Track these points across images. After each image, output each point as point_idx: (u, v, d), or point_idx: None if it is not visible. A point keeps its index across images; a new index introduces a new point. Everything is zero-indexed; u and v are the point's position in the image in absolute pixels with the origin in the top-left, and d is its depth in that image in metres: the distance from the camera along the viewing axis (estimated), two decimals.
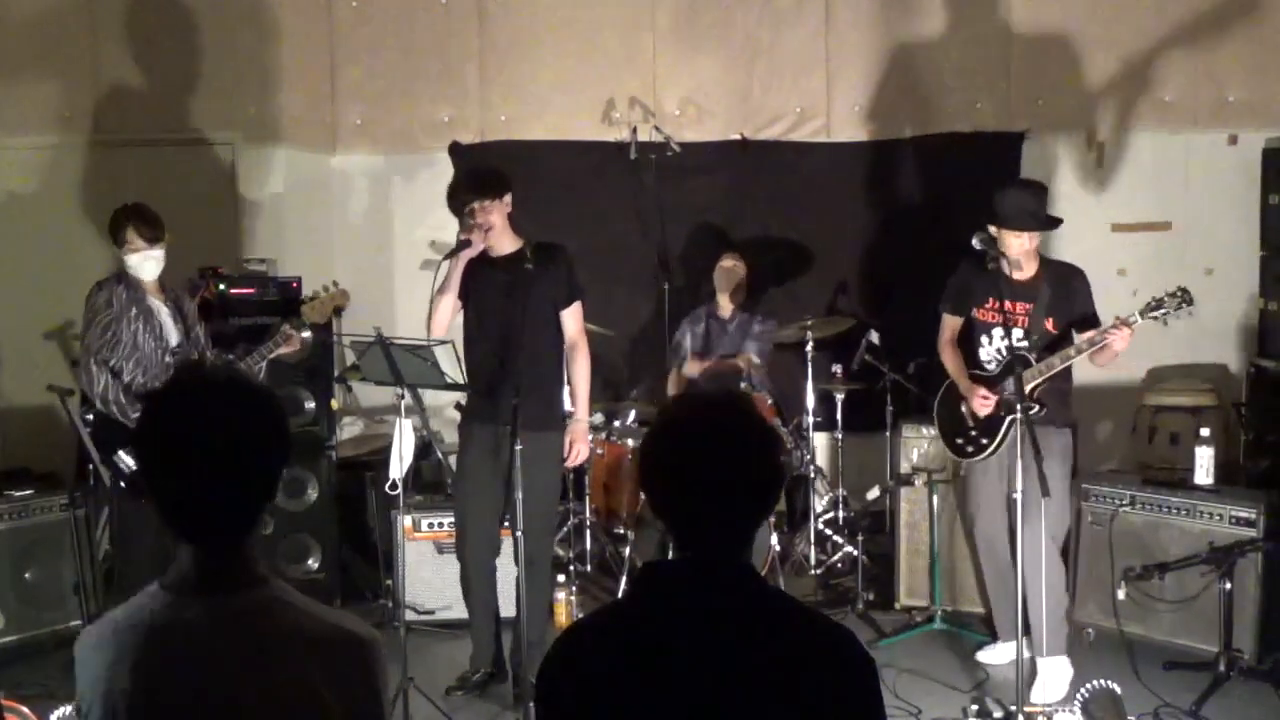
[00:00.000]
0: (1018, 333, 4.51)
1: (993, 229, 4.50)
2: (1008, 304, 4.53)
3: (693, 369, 6.18)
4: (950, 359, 4.76)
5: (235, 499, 1.76)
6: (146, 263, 4.42)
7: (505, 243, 4.49)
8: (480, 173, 4.73)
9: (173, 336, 4.41)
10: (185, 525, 1.77)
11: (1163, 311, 4.29)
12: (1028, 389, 4.39)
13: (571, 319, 4.55)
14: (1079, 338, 4.48)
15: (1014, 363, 4.33)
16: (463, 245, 4.42)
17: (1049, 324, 4.54)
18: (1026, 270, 4.56)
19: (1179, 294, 4.28)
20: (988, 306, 4.61)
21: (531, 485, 4.22)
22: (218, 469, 1.74)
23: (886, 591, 5.52)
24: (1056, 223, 4.70)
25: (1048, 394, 4.49)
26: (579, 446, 4.55)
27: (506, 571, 4.97)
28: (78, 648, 1.82)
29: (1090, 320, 4.54)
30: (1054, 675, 4.47)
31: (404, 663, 4.20)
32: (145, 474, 1.80)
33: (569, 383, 4.64)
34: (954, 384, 4.75)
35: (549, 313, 4.49)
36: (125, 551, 4.41)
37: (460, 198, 4.49)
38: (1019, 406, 4.12)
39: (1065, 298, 4.56)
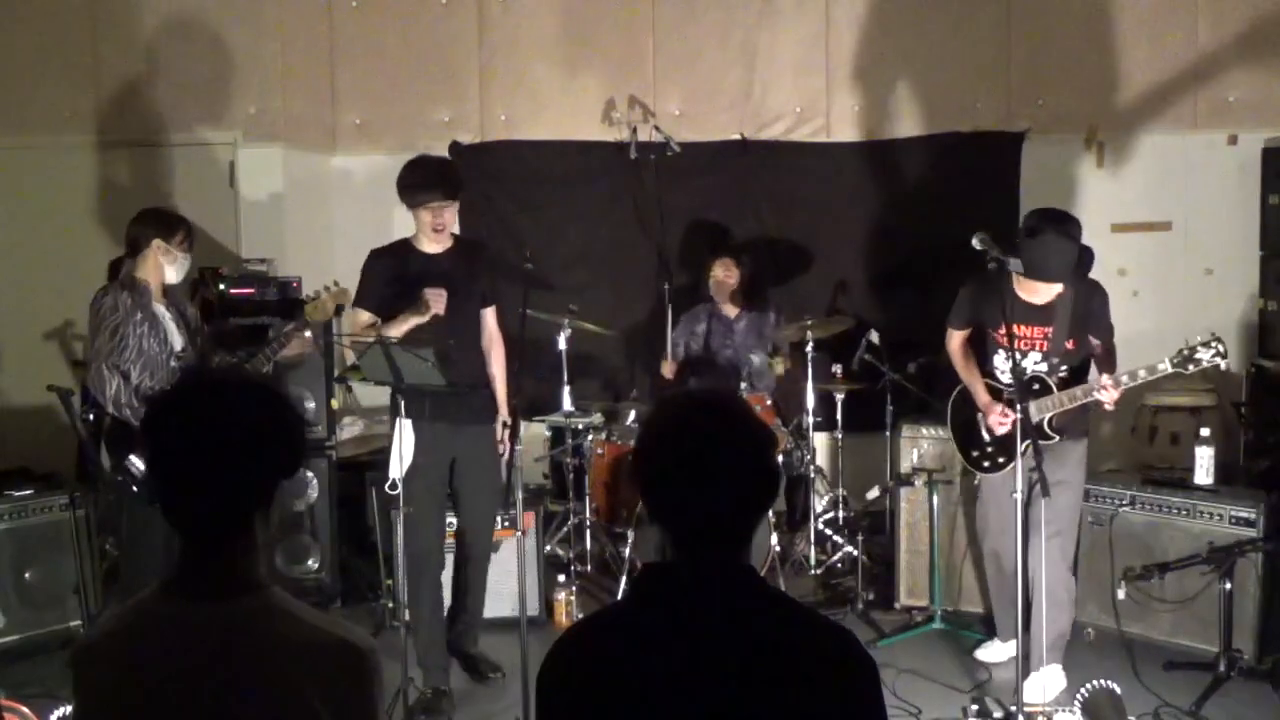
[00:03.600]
0: (1035, 356, 4.38)
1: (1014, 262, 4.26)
2: (1023, 328, 4.36)
3: (668, 370, 6.19)
4: (964, 367, 4.64)
5: (230, 498, 1.76)
6: (184, 267, 4.48)
7: (446, 238, 4.50)
8: (446, 170, 4.60)
9: (177, 342, 4.42)
10: (180, 522, 1.77)
11: (1195, 365, 4.09)
12: (1048, 417, 4.32)
13: (490, 317, 4.63)
14: (1101, 378, 4.27)
15: (1029, 387, 4.22)
16: (434, 318, 4.38)
17: (1070, 345, 4.38)
18: (1043, 294, 4.36)
19: (1213, 344, 4.07)
20: (1001, 331, 4.35)
21: (486, 477, 4.40)
22: (213, 467, 1.74)
23: (886, 591, 5.52)
24: (1088, 262, 4.48)
25: (1065, 415, 4.37)
26: (510, 443, 4.43)
27: (507, 570, 5.00)
28: (75, 654, 1.82)
29: (1102, 341, 4.41)
30: (1048, 681, 4.48)
31: (404, 663, 4.20)
32: (149, 471, 1.81)
33: (492, 371, 4.62)
34: (966, 391, 4.66)
35: (480, 309, 4.59)
36: (133, 555, 4.40)
37: (429, 194, 4.39)
38: (1022, 423, 4.03)
39: (1086, 318, 4.38)
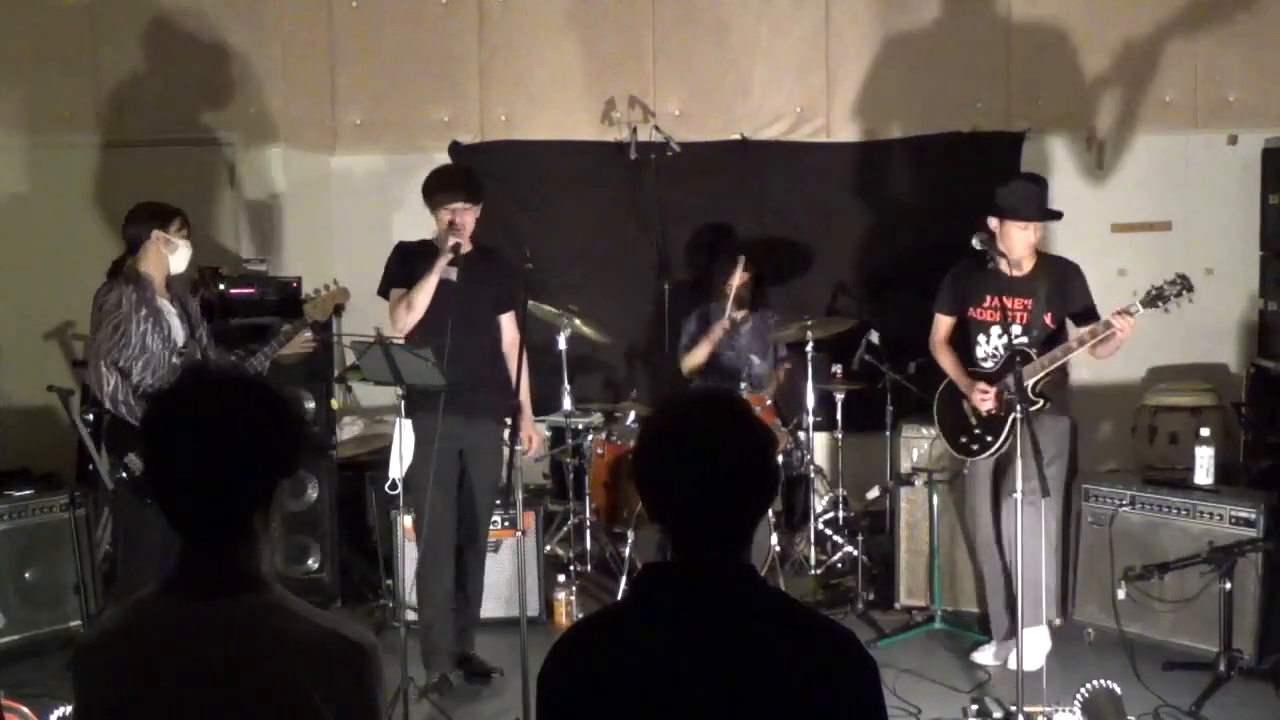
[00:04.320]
0: (1016, 329, 4.53)
1: (993, 223, 4.52)
2: (1006, 300, 4.55)
3: (697, 358, 6.13)
4: (946, 358, 4.79)
5: (229, 497, 1.76)
6: (186, 254, 4.47)
7: (465, 242, 4.61)
8: (469, 176, 4.76)
9: (179, 336, 4.41)
10: (180, 522, 1.77)
11: (1163, 301, 4.29)
12: (1030, 383, 4.40)
13: (508, 322, 4.72)
14: (1080, 330, 4.51)
15: (1014, 359, 4.34)
16: (455, 250, 4.46)
17: (1048, 319, 4.57)
18: (1024, 267, 4.58)
19: (1178, 281, 4.29)
20: (986, 305, 4.63)
21: (489, 476, 4.52)
22: (211, 466, 1.74)
23: (886, 591, 5.52)
24: (1058, 215, 4.71)
25: (1049, 386, 4.52)
26: (537, 438, 4.81)
27: (507, 570, 5.02)
28: (75, 654, 1.82)
29: (1090, 313, 4.58)
30: (1032, 643, 4.49)
31: (404, 663, 4.21)
32: (148, 470, 1.81)
33: (515, 377, 4.66)
34: (952, 383, 4.77)
35: (493, 310, 4.67)
36: (129, 554, 4.40)
37: (449, 195, 4.53)
38: (1019, 405, 4.08)
39: (1062, 293, 4.58)
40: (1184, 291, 4.28)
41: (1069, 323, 4.71)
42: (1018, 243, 4.51)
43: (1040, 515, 4.22)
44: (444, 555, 4.54)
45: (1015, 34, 6.73)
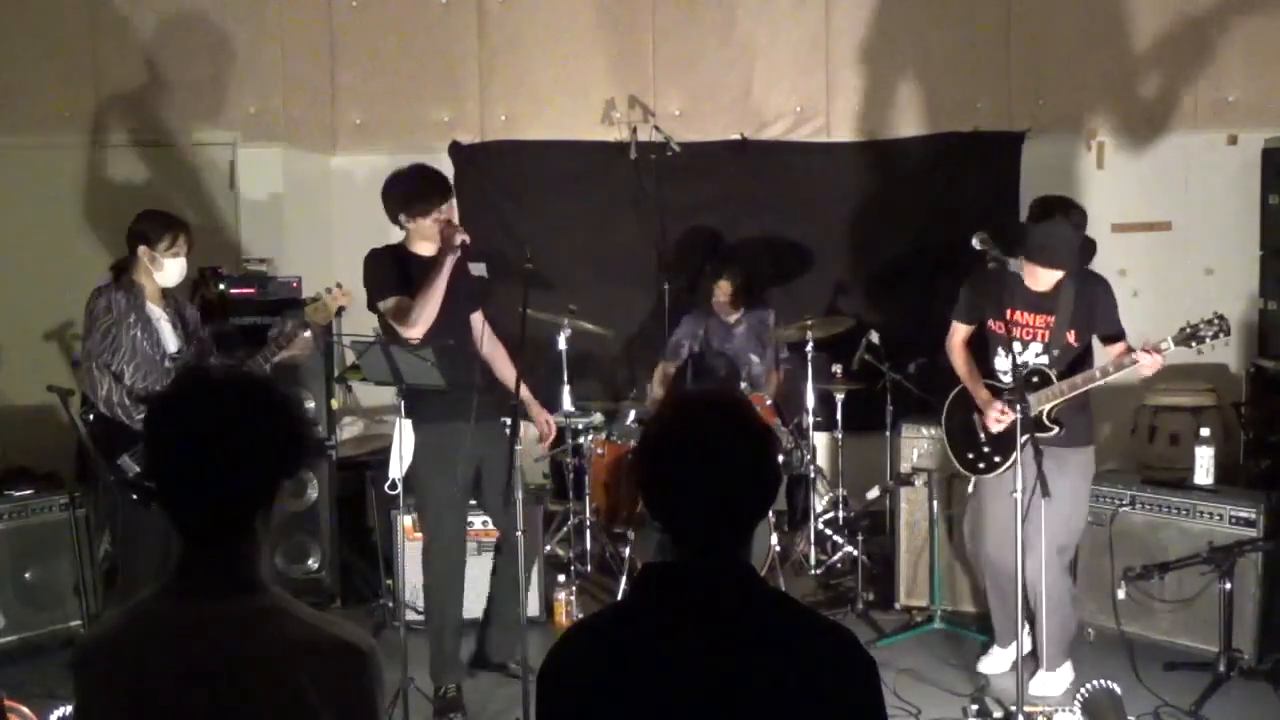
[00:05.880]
0: (1036, 347, 4.34)
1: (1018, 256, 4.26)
2: (1026, 316, 4.34)
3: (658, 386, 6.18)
4: (962, 364, 4.58)
5: (231, 498, 1.76)
6: (175, 271, 4.42)
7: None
8: (439, 176, 4.52)
9: (171, 344, 4.40)
10: (181, 523, 1.77)
11: (1198, 341, 4.05)
12: (1047, 408, 4.26)
13: (478, 319, 4.62)
14: (1105, 357, 4.31)
15: (1029, 380, 4.14)
16: (463, 245, 4.39)
17: (1071, 336, 4.33)
18: (1045, 281, 4.32)
19: (1216, 322, 4.03)
20: (1005, 320, 4.33)
21: (503, 473, 4.35)
22: (214, 468, 1.74)
23: (886, 591, 5.51)
24: (1091, 254, 4.43)
25: (1067, 412, 4.30)
26: (553, 421, 4.76)
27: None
28: (75, 654, 1.82)
29: (1117, 334, 4.37)
30: (1056, 678, 4.50)
31: (404, 663, 4.21)
32: (150, 472, 1.81)
33: (501, 373, 4.63)
34: (962, 392, 4.61)
35: (470, 311, 4.60)
36: (128, 555, 4.40)
37: (430, 199, 4.38)
38: (1020, 417, 3.95)
39: (1089, 309, 4.33)
40: (1220, 335, 4.02)
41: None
42: (1042, 279, 4.29)
43: (1063, 563, 4.13)
44: (458, 568, 4.48)
45: (1015, 34, 6.73)
